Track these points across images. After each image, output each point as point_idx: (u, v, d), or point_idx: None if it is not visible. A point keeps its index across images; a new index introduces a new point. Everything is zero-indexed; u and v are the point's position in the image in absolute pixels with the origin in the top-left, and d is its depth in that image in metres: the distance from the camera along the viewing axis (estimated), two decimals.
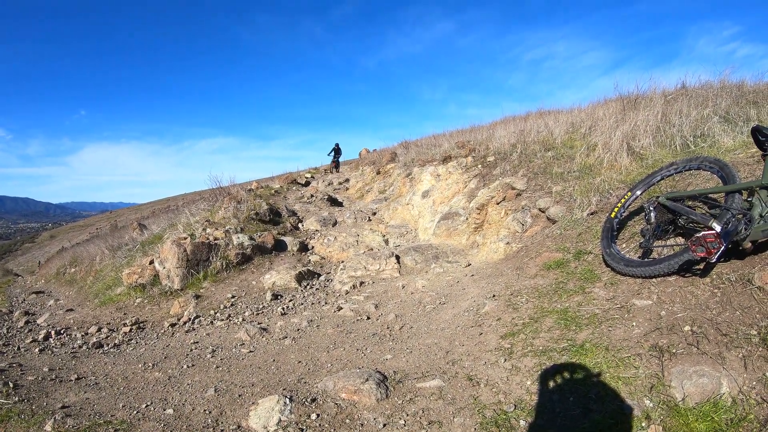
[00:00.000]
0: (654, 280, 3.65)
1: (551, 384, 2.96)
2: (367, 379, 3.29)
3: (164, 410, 3.23)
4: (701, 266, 3.42)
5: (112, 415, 3.14)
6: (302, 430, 2.84)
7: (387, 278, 7.07)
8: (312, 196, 14.12)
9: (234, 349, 4.78)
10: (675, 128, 6.48)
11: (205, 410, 3.18)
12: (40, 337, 5.95)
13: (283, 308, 6.24)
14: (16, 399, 3.38)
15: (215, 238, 8.32)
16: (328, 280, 7.55)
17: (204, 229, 8.92)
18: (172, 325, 6.15)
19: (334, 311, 5.75)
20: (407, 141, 17.85)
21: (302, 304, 6.44)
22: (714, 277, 3.34)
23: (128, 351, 5.25)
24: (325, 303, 6.30)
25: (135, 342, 5.64)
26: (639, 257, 4.02)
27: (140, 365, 4.46)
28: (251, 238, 8.66)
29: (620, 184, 5.74)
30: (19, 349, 5.51)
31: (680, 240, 4.00)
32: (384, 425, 2.87)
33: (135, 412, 3.21)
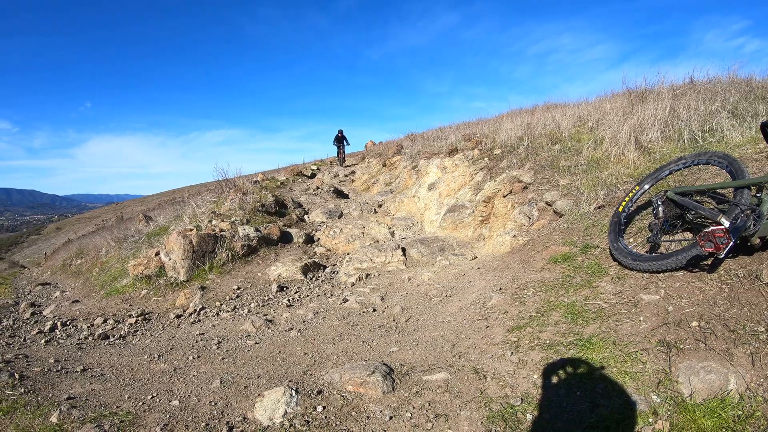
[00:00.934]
0: (661, 275, 3.63)
1: (558, 378, 2.95)
2: (373, 372, 3.29)
3: (170, 401, 3.24)
4: (709, 262, 3.39)
5: (117, 407, 3.15)
6: (308, 422, 2.84)
7: (393, 270, 7.07)
8: (318, 188, 14.12)
9: (240, 341, 4.79)
10: (683, 123, 6.43)
11: (210, 402, 3.19)
12: (46, 328, 5.98)
13: (288, 300, 6.25)
14: (22, 390, 3.39)
15: (221, 230, 8.34)
16: (333, 272, 7.56)
17: (210, 221, 8.95)
18: (178, 316, 6.17)
19: (340, 303, 5.75)
20: (413, 133, 17.80)
21: (308, 295, 6.45)
22: (722, 272, 3.31)
23: (134, 342, 5.27)
24: (331, 295, 6.31)
25: (141, 333, 5.67)
26: (646, 252, 4.00)
27: (146, 356, 4.48)
28: (257, 230, 8.67)
29: (628, 178, 5.70)
30: (25, 340, 5.54)
31: (688, 235, 3.97)
32: (390, 418, 2.87)
33: (140, 403, 3.22)
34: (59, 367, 4.11)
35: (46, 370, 3.99)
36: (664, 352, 2.82)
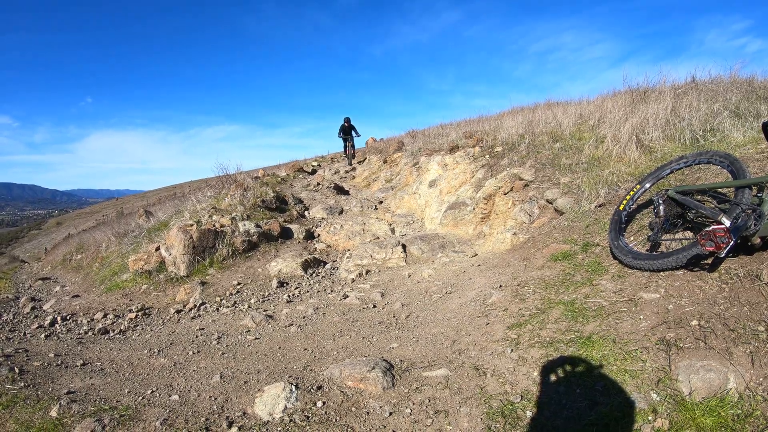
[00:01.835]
0: (662, 273, 3.63)
1: (558, 375, 2.96)
2: (373, 368, 3.29)
3: (169, 396, 3.24)
4: (709, 261, 3.40)
5: (117, 401, 3.16)
6: (308, 417, 2.85)
7: (393, 267, 7.08)
8: (318, 184, 14.11)
9: (239, 336, 4.80)
10: (685, 122, 6.42)
11: (210, 396, 3.20)
12: (46, 323, 5.99)
13: (288, 296, 6.25)
14: (22, 384, 3.40)
15: (221, 225, 8.33)
16: (334, 268, 7.56)
17: (210, 216, 8.94)
18: (178, 311, 6.18)
19: (340, 299, 5.76)
20: (414, 130, 17.79)
21: (308, 291, 6.46)
22: (722, 272, 3.32)
23: (134, 337, 5.28)
24: (331, 291, 6.32)
25: (141, 328, 5.68)
26: (647, 250, 4.00)
27: (146, 351, 4.48)
28: (257, 226, 8.66)
29: (629, 177, 5.70)
30: (25, 335, 5.55)
31: (689, 234, 3.97)
32: (390, 414, 2.88)
33: (140, 397, 3.22)
34: (59, 362, 4.12)
35: (46, 364, 4.00)
36: (664, 351, 2.82)
